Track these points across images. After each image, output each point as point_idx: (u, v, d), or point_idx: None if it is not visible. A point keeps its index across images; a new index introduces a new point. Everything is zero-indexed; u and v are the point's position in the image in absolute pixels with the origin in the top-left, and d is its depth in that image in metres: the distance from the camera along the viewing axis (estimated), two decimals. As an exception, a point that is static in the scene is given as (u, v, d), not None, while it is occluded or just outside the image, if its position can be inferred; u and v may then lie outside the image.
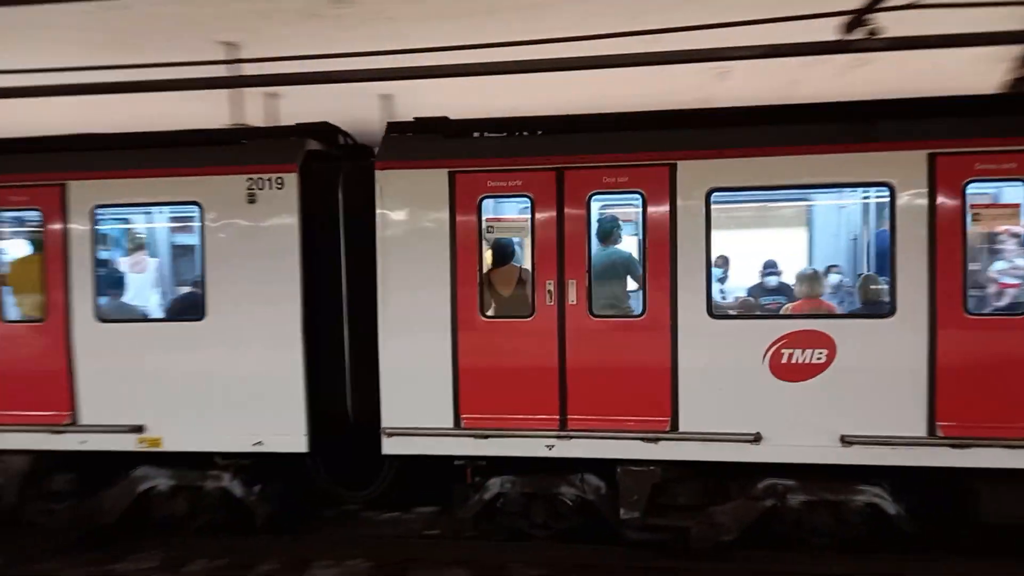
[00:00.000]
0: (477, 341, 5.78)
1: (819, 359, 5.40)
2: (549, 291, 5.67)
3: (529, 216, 5.74)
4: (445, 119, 6.14)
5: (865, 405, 5.38)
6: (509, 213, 6.72)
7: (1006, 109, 5.72)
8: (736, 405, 5.51)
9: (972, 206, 5.28)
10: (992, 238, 5.76)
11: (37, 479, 6.45)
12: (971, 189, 5.27)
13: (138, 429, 6.10)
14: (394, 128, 6.18)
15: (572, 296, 5.64)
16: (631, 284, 6.02)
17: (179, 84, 5.93)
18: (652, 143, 5.62)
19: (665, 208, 5.51)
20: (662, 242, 5.51)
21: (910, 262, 5.28)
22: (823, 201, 7.48)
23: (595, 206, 5.86)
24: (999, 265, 5.74)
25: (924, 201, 5.26)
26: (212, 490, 6.33)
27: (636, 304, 5.80)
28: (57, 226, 6.12)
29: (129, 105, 7.15)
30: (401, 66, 5.63)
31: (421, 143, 6.04)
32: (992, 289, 5.74)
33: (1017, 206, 5.43)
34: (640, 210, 5.62)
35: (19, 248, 6.60)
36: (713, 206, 5.50)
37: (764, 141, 5.50)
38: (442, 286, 5.76)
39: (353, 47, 6.20)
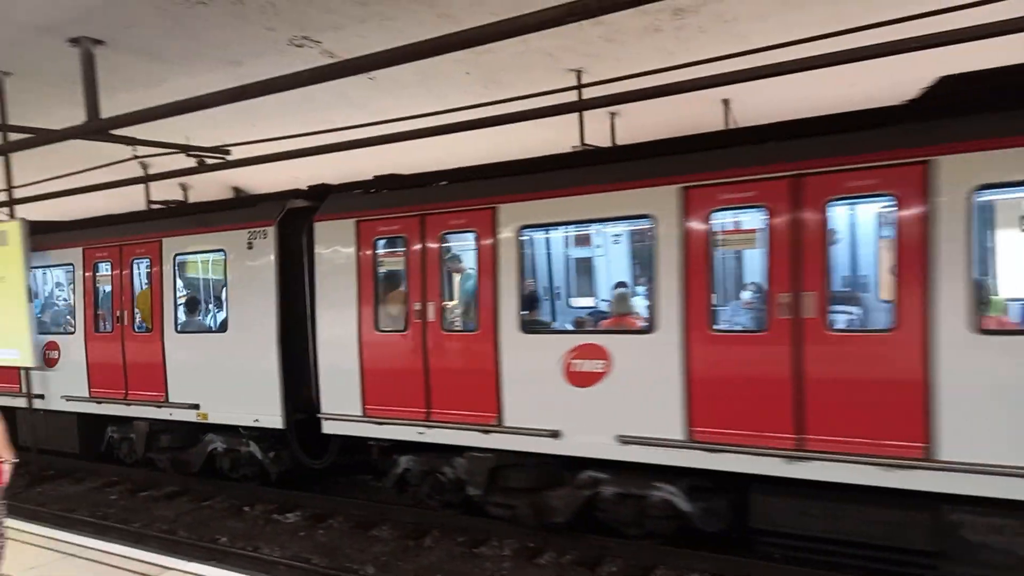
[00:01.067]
0: (373, 350, 7.50)
1: (598, 368, 6.26)
2: (417, 310, 7.23)
3: (404, 251, 7.29)
4: (373, 179, 8.10)
5: (637, 409, 6.09)
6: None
7: (745, 140, 6.07)
8: (543, 406, 6.51)
9: (717, 233, 5.80)
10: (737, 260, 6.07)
11: (153, 438, 9.76)
12: (715, 217, 5.76)
13: (195, 407, 9.04)
14: (338, 188, 8.30)
15: (431, 315, 7.15)
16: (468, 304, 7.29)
17: (536, 113, 6.41)
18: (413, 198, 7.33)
19: (490, 243, 6.78)
20: (489, 273, 6.77)
21: (666, 283, 5.94)
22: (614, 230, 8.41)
23: (450, 243, 7.34)
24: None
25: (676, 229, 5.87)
26: (244, 453, 8.98)
27: (472, 321, 7.05)
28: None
29: (487, 138, 8.32)
30: (740, 68, 5.42)
31: (345, 199, 7.93)
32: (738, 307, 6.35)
33: (754, 231, 5.77)
34: (474, 247, 6.97)
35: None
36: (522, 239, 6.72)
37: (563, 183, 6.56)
38: (351, 307, 7.53)
39: (690, 56, 6.76)
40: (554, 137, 9.08)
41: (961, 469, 4.92)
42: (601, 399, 6.22)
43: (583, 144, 8.67)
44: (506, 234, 6.72)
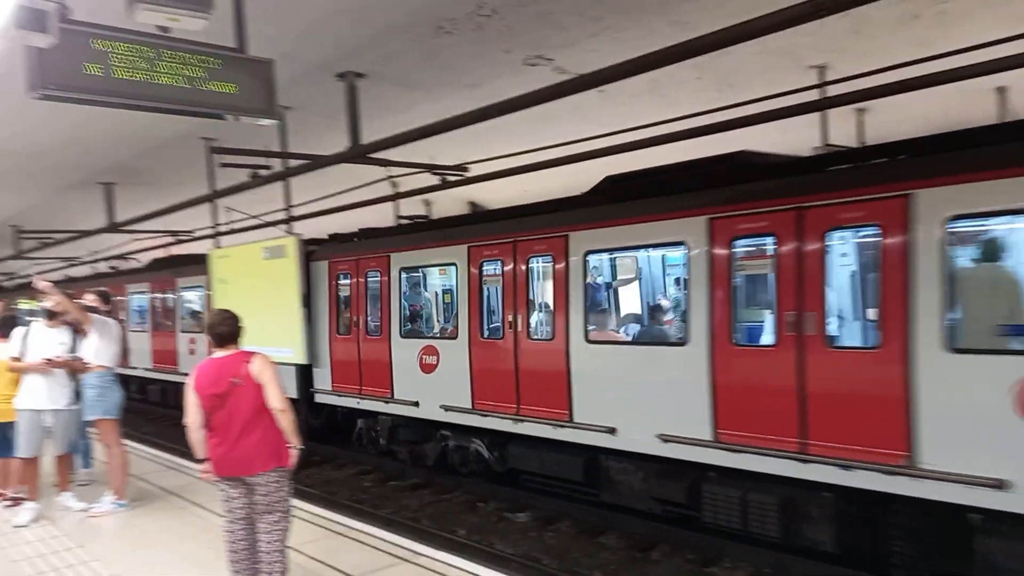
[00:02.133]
0: (337, 347, 10.76)
1: (432, 361, 9.24)
2: (354, 321, 10.41)
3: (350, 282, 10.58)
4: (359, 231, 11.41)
5: (455, 386, 8.88)
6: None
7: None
8: (414, 386, 9.48)
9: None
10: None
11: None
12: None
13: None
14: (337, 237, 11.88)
15: (361, 323, 10.32)
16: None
17: (776, 115, 6.12)
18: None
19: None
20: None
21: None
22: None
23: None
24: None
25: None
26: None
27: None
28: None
29: (722, 144, 7.72)
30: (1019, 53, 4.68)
31: (330, 245, 11.53)
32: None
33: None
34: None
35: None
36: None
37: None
38: (326, 317, 10.87)
39: (951, 44, 5.93)
40: (792, 139, 8.57)
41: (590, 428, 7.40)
42: (437, 381, 9.27)
43: (826, 144, 8.07)
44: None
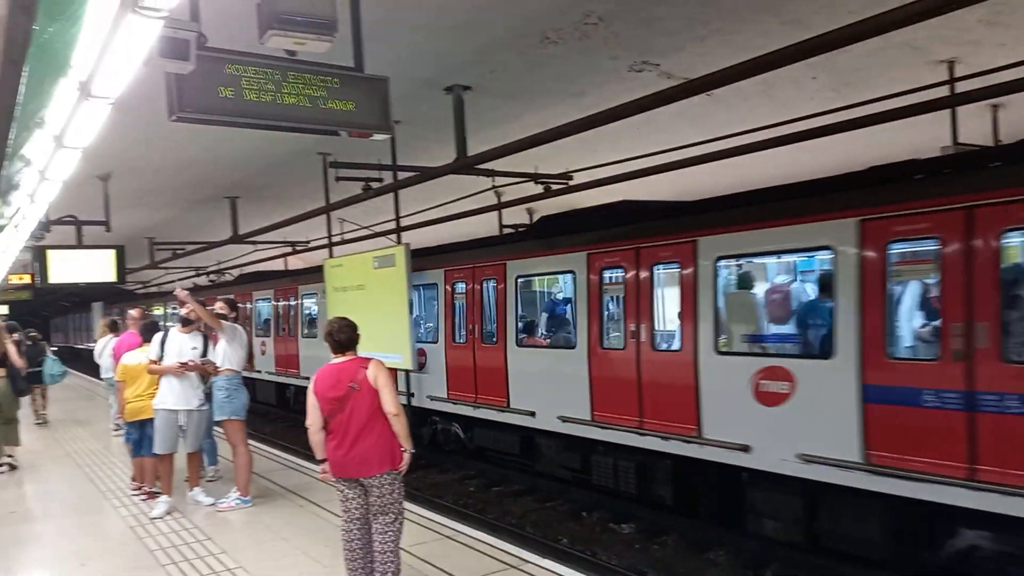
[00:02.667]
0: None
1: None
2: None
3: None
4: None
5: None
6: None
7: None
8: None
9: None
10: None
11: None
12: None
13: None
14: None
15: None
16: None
17: (899, 114, 6.01)
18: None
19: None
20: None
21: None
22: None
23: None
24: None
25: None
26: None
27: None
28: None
29: (840, 146, 7.82)
30: None
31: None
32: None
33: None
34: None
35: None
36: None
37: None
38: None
39: None
40: (918, 138, 8.09)
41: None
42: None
43: (955, 144, 7.56)
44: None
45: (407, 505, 6.82)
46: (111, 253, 10.28)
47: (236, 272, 21.24)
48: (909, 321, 6.08)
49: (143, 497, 7.32)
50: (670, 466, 7.84)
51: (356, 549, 4.52)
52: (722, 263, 7.16)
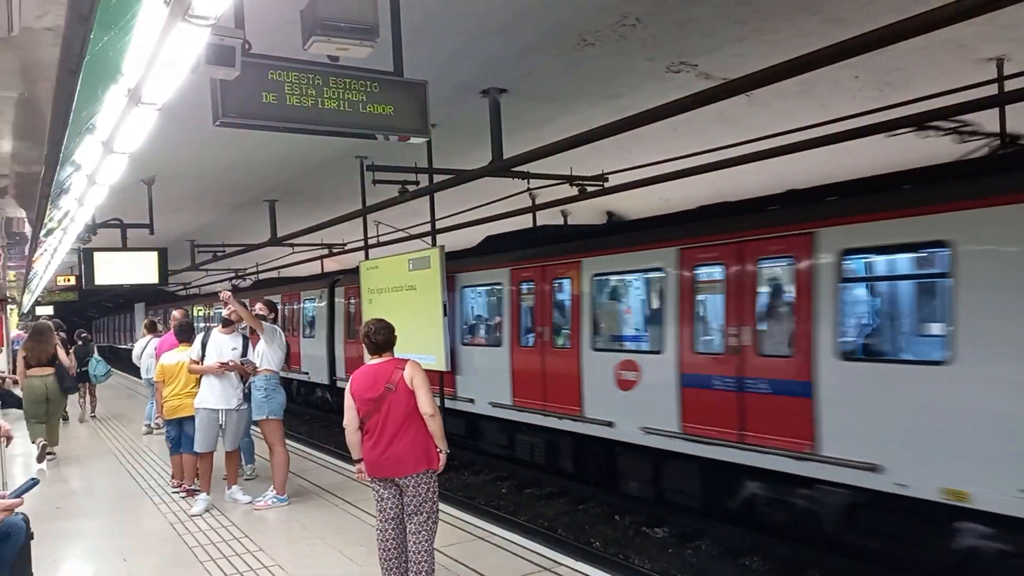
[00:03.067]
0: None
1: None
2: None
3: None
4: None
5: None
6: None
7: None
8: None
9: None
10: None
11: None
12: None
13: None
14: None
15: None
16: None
17: (944, 113, 5.97)
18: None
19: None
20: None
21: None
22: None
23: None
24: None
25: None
26: None
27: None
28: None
29: (880, 147, 7.49)
30: None
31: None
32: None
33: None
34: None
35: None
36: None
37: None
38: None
39: None
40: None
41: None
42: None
43: (1004, 143, 7.37)
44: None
45: (441, 506, 6.88)
46: (154, 255, 10.51)
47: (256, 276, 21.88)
48: (705, 325, 7.99)
49: (183, 494, 7.48)
50: (570, 441, 9.87)
51: (391, 548, 4.56)
52: (597, 279, 9.28)
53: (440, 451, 4.52)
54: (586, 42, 6.65)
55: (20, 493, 2.10)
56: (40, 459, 9.09)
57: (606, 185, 9.99)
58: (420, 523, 4.49)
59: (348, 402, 4.53)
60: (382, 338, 4.58)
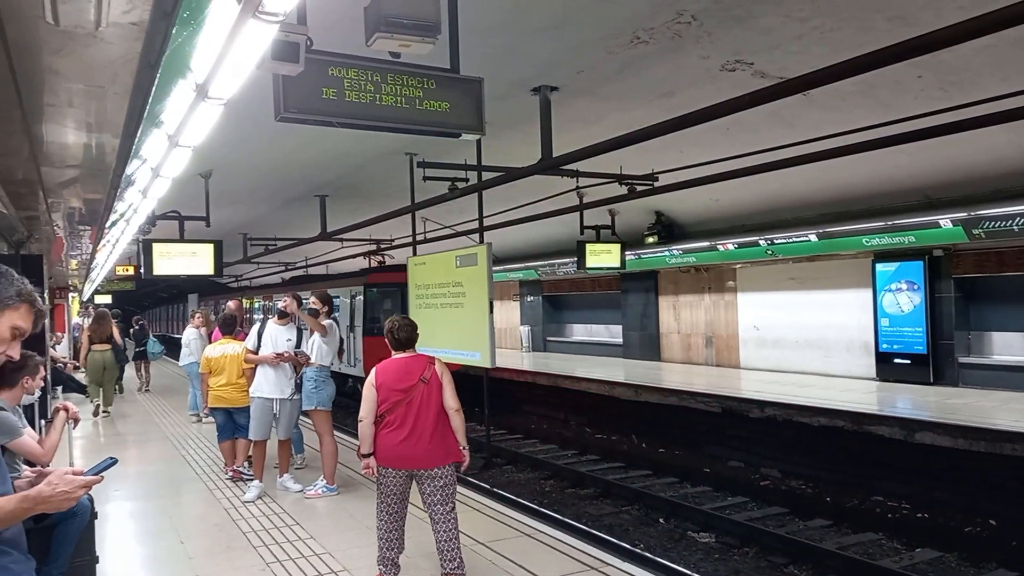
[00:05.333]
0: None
1: None
2: None
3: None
4: None
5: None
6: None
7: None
8: None
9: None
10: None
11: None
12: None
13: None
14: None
15: None
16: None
17: (1013, 115, 5.58)
18: None
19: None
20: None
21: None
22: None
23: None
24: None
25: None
26: None
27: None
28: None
29: (953, 148, 7.43)
30: None
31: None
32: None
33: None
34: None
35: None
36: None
37: None
38: None
39: None
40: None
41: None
42: None
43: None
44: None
45: (486, 501, 6.92)
46: (210, 247, 10.77)
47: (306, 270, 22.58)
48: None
49: (233, 477, 7.68)
50: None
51: (393, 529, 4.72)
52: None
53: (464, 448, 4.65)
54: (639, 40, 6.61)
55: (99, 471, 2.18)
56: (95, 414, 11.90)
57: (655, 185, 9.90)
58: (446, 513, 4.58)
59: (370, 394, 4.59)
60: (405, 335, 4.70)
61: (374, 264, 18.39)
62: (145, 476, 8.05)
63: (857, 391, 12.05)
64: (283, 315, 7.22)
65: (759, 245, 13.28)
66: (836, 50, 5.98)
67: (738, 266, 15.37)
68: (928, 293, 12.04)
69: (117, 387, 13.82)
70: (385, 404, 4.54)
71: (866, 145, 6.61)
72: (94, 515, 4.24)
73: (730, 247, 13.90)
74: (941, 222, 10.49)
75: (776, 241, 12.96)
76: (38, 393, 5.13)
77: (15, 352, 2.21)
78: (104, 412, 12.06)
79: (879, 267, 12.59)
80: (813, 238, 12.31)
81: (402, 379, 4.55)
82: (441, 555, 4.61)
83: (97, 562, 4.29)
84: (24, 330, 2.20)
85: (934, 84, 7.28)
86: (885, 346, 12.67)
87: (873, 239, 11.70)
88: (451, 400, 4.57)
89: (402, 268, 15.09)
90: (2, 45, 2.34)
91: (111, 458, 2.27)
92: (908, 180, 10.28)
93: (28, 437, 4.37)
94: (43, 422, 7.41)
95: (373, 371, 4.68)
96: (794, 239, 12.66)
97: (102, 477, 2.16)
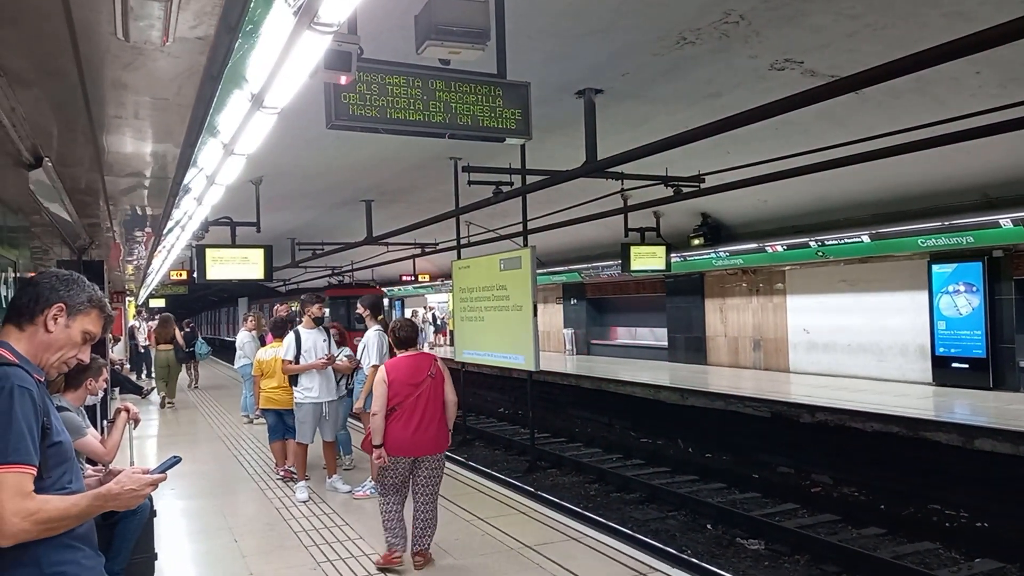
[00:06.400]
0: None
1: None
2: None
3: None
4: None
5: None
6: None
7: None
8: None
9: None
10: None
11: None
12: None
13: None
14: None
15: None
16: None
17: None
18: None
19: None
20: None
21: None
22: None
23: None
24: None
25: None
26: None
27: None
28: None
29: (1005, 143, 7.15)
30: None
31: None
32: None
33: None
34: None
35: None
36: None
37: None
38: None
39: None
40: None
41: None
42: None
43: None
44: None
45: (531, 504, 6.92)
46: (260, 252, 11.01)
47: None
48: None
49: (282, 475, 7.84)
50: None
51: (396, 513, 5.15)
52: None
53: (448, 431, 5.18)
54: (686, 41, 6.56)
55: (164, 469, 2.25)
56: (162, 405, 13.67)
57: (702, 186, 9.79)
58: (431, 496, 5.14)
59: (383, 389, 5.00)
60: (405, 334, 5.23)
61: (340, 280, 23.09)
62: (199, 475, 8.26)
63: (912, 396, 11.71)
64: (318, 320, 7.35)
65: (809, 247, 13.02)
66: (889, 47, 5.83)
67: (787, 268, 15.09)
68: (987, 295, 11.64)
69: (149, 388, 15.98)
70: (396, 398, 4.96)
71: (922, 143, 6.45)
72: (153, 513, 4.37)
73: (779, 249, 13.65)
74: (1001, 222, 10.14)
75: (827, 242, 12.68)
76: (100, 394, 5.31)
77: (86, 356, 2.30)
78: (169, 403, 13.72)
79: (935, 268, 12.23)
80: (866, 239, 12.02)
81: (414, 375, 5.01)
82: (415, 533, 5.12)
83: (156, 559, 4.42)
84: (95, 334, 2.29)
85: (993, 81, 7.05)
86: (942, 350, 12.29)
87: (929, 240, 11.36)
88: (451, 393, 5.11)
89: (351, 286, 20.03)
90: (75, 60, 2.45)
91: (175, 456, 2.34)
92: (966, 179, 9.96)
93: (91, 437, 4.54)
94: (105, 422, 7.66)
95: (383, 368, 5.16)
96: (846, 240, 12.37)
97: (166, 476, 2.23)
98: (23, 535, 1.89)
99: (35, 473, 1.94)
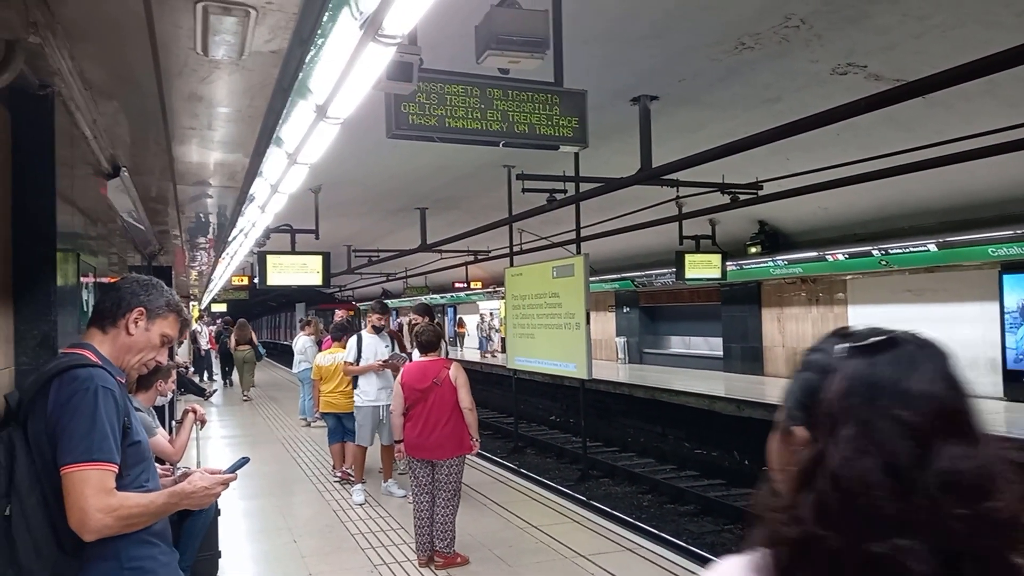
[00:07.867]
0: None
1: None
2: None
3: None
4: None
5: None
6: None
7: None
8: None
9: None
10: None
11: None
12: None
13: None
14: None
15: None
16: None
17: None
18: None
19: None
20: None
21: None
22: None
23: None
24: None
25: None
26: None
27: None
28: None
29: None
30: None
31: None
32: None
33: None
34: None
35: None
36: None
37: None
38: None
39: None
40: None
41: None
42: None
43: None
44: None
45: (584, 513, 6.89)
46: (319, 259, 11.25)
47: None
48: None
49: (340, 478, 7.98)
50: None
51: (424, 517, 5.33)
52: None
53: (475, 440, 5.33)
54: (744, 45, 6.47)
55: (235, 469, 2.33)
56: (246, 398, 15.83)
57: (760, 193, 9.62)
58: (447, 499, 5.27)
59: (399, 391, 5.36)
60: (426, 339, 5.46)
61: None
62: (260, 476, 8.47)
63: (983, 411, 11.22)
64: (378, 329, 7.49)
65: (872, 255, 12.64)
66: (958, 48, 5.65)
67: (848, 277, 14.68)
68: (1063, 306, 11.12)
69: (228, 381, 18.65)
70: (408, 401, 5.28)
71: (994, 149, 6.21)
72: (218, 512, 4.51)
73: (840, 257, 13.29)
74: (1079, 229, 9.70)
75: (891, 251, 12.29)
76: (168, 396, 5.51)
77: (163, 358, 2.40)
78: (245, 397, 15.97)
79: (1007, 279, 11.73)
80: (932, 248, 11.60)
81: (420, 380, 5.26)
82: (436, 534, 5.28)
83: (220, 556, 4.55)
84: (172, 337, 2.38)
85: (1071, 81, 6.75)
86: (1015, 364, 11.78)
87: (1000, 248, 10.91)
88: (465, 400, 5.23)
89: (334, 300, 21.48)
90: (155, 74, 2.57)
91: (244, 457, 2.42)
92: (1039, 184, 9.56)
93: (160, 437, 4.71)
94: (173, 422, 7.94)
95: (401, 371, 5.61)
96: (911, 249, 11.96)
97: (236, 476, 2.30)
98: (106, 530, 1.98)
99: (117, 471, 2.03)
